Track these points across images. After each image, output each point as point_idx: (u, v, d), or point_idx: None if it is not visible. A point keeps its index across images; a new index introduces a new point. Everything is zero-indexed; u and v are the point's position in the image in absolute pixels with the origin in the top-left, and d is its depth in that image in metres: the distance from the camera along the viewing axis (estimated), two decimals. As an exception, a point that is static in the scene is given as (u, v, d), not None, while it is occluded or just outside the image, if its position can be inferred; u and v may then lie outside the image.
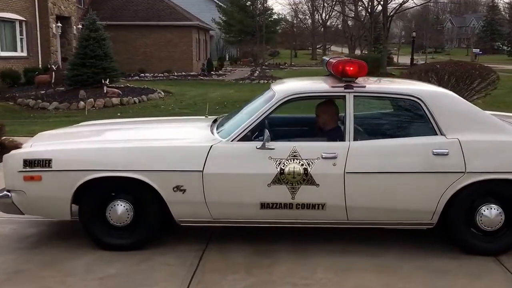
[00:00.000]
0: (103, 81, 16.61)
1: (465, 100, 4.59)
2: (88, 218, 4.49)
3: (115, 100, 16.23)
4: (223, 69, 34.57)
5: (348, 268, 4.20)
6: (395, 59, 47.87)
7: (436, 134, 4.34)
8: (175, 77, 26.91)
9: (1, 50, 19.94)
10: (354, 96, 4.47)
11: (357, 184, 4.29)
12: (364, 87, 4.52)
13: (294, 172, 4.28)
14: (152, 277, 4.04)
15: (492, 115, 4.60)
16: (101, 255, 4.41)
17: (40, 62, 22.13)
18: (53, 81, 16.62)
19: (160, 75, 27.52)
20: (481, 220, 4.36)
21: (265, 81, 24.13)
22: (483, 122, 4.43)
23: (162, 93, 18.69)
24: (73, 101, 15.45)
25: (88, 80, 17.14)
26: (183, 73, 28.08)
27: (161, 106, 16.31)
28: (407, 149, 4.35)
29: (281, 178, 4.28)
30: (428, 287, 3.92)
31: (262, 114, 4.47)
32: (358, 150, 4.33)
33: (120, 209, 4.43)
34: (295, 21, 69.77)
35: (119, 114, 14.06)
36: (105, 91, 16.46)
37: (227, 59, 46.86)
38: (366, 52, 45.42)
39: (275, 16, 50.25)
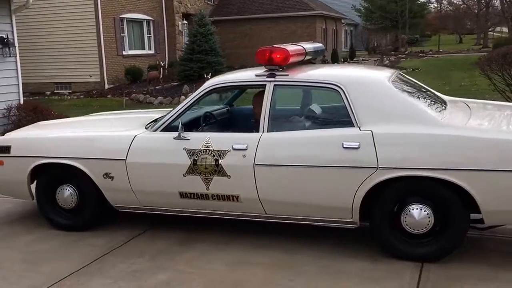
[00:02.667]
0: (205, 76, 17.44)
1: (395, 89, 4.14)
2: (41, 200, 4.99)
3: (216, 93, 16.94)
4: (354, 59, 33.88)
5: (243, 262, 4.13)
6: None
7: (353, 126, 4.03)
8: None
9: (129, 49, 21.90)
10: (275, 85, 4.33)
11: (267, 176, 4.18)
12: (287, 75, 4.35)
13: (205, 163, 4.30)
14: (70, 254, 4.41)
15: (423, 106, 4.10)
16: (48, 234, 4.88)
17: (166, 59, 23.83)
18: (161, 77, 17.88)
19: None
20: (406, 222, 3.97)
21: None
22: (408, 114, 3.96)
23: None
24: (176, 96, 16.49)
25: (194, 74, 18.10)
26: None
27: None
28: (318, 141, 4.11)
29: (194, 168, 4.34)
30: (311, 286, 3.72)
31: (186, 105, 4.54)
32: (269, 141, 4.21)
33: (66, 193, 4.85)
34: (458, 2, 64.51)
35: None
36: (207, 85, 17.22)
37: (367, 48, 45.54)
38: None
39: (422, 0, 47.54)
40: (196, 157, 4.32)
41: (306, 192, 4.12)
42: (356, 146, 3.93)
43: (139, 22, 22.78)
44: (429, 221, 3.90)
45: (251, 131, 4.35)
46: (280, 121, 4.36)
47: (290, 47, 4.44)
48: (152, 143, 4.54)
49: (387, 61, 29.14)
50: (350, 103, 4.06)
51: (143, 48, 23.07)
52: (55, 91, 20.03)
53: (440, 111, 4.26)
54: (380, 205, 4.03)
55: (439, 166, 3.76)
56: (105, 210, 4.90)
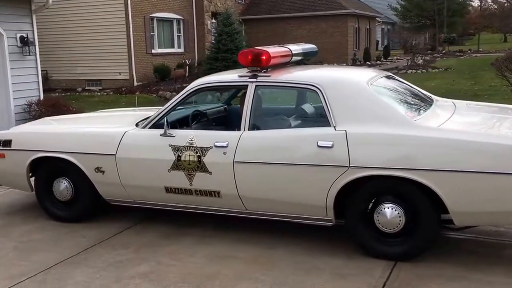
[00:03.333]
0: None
1: (372, 91, 4.18)
2: (40, 192, 5.24)
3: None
4: (388, 58, 33.51)
5: (223, 256, 4.25)
6: None
7: (329, 126, 4.10)
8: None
9: (158, 47, 22.31)
10: (256, 85, 4.45)
11: (246, 173, 4.29)
12: (269, 76, 4.46)
13: (189, 159, 4.45)
14: (61, 244, 4.62)
15: (396, 108, 4.12)
16: (44, 224, 5.12)
17: (196, 58, 24.16)
18: (187, 75, 18.16)
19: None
20: (378, 220, 4.03)
21: (414, 71, 22.92)
22: (381, 115, 4.01)
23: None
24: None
25: (219, 73, 18.28)
26: (335, 63, 28.01)
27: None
28: (294, 140, 4.20)
29: (178, 164, 4.49)
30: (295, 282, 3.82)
31: (172, 103, 4.70)
32: (248, 140, 4.32)
33: (62, 186, 5.08)
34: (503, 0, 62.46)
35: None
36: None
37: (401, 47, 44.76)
38: None
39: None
40: (180, 153, 4.47)
41: (283, 190, 4.21)
42: (330, 145, 4.01)
43: (169, 21, 23.17)
44: (400, 220, 3.95)
45: (234, 130, 4.47)
46: (260, 120, 4.47)
47: (273, 49, 4.54)
48: (140, 140, 4.71)
49: (421, 60, 28.67)
50: (327, 103, 4.13)
51: (173, 47, 23.44)
52: (86, 88, 20.59)
53: (419, 112, 4.28)
54: (354, 204, 4.10)
55: (406, 166, 3.81)
56: (99, 203, 5.11)
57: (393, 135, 3.90)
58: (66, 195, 5.09)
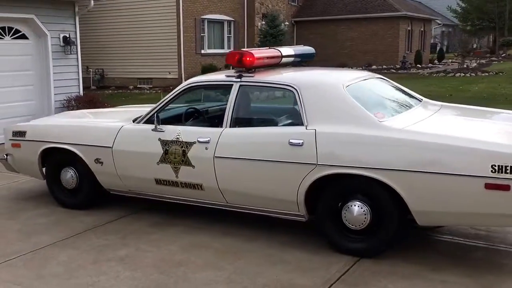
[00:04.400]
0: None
1: (345, 92, 4.29)
2: (49, 180, 5.68)
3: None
4: (443, 61, 32.68)
5: (198, 246, 4.51)
6: None
7: (302, 125, 4.28)
8: (369, 70, 26.83)
9: (208, 48, 22.85)
10: (240, 85, 4.68)
11: (225, 168, 4.53)
12: (252, 77, 4.67)
13: (174, 153, 4.74)
14: (59, 228, 5.02)
15: (365, 109, 4.20)
16: (51, 210, 5.55)
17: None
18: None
19: (359, 68, 27.65)
20: (345, 217, 4.17)
21: (462, 75, 22.32)
22: (349, 116, 4.16)
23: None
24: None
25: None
26: (384, 66, 27.64)
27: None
28: (269, 138, 4.40)
29: (166, 157, 4.79)
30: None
31: (165, 100, 5.00)
32: (228, 136, 4.56)
33: (67, 174, 5.50)
34: None
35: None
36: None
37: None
38: None
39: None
40: (168, 147, 4.77)
41: (258, 184, 4.43)
42: (300, 143, 4.18)
43: (220, 22, 23.68)
44: (365, 218, 4.07)
45: (218, 127, 4.71)
46: (242, 118, 4.70)
47: (259, 51, 4.76)
48: (134, 134, 5.05)
49: (475, 64, 27.83)
50: (302, 103, 4.31)
51: (222, 48, 23.92)
52: (138, 86, 21.42)
53: (392, 114, 4.36)
54: (323, 201, 4.25)
55: (369, 165, 3.93)
56: (100, 192, 5.48)
57: (357, 134, 4.03)
58: (71, 184, 5.50)
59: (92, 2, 10.13)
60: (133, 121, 5.16)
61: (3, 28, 9.30)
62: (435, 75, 23.14)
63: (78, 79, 10.66)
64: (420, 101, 5.11)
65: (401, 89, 5.16)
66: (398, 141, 3.90)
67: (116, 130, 5.11)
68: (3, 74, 9.37)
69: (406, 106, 4.70)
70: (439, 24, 42.36)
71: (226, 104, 4.70)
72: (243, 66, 4.66)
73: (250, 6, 25.02)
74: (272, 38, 19.02)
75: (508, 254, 4.27)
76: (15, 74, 9.63)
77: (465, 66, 25.07)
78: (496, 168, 3.55)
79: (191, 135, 4.70)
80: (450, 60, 32.92)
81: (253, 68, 4.73)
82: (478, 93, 15.66)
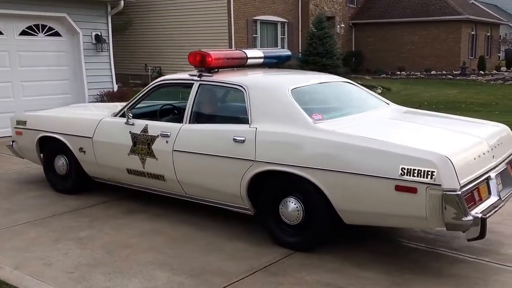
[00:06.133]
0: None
1: (288, 94, 4.48)
2: (45, 167, 6.25)
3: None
4: (511, 68, 31.28)
5: (153, 231, 4.85)
6: None
7: (247, 123, 4.52)
8: (426, 76, 26.08)
9: (261, 48, 23.23)
10: (200, 84, 5.00)
11: (181, 161, 4.86)
12: (211, 76, 4.97)
13: (141, 145, 5.12)
14: (44, 209, 5.53)
15: (303, 111, 4.35)
16: (45, 194, 6.09)
17: (299, 59, 24.74)
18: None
19: (416, 73, 26.91)
20: (282, 212, 4.38)
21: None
22: (287, 116, 4.37)
23: (380, 90, 18.88)
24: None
25: (308, 76, 18.66)
26: (444, 71, 26.87)
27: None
28: (218, 134, 4.69)
29: (134, 149, 5.18)
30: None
31: (138, 97, 5.41)
32: (185, 131, 4.88)
33: (59, 162, 6.03)
34: None
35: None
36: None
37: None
38: None
39: None
40: (136, 140, 5.16)
41: (208, 178, 4.72)
42: (242, 140, 4.43)
43: (273, 24, 23.98)
44: (299, 214, 4.26)
45: (180, 122, 5.04)
46: (199, 115, 4.99)
47: (219, 52, 5.06)
48: (110, 126, 5.48)
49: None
50: (249, 102, 4.56)
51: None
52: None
53: (332, 116, 4.50)
54: (262, 196, 4.48)
55: (298, 164, 4.13)
56: (88, 178, 5.95)
57: (288, 134, 4.25)
58: (62, 170, 6.02)
59: (122, 2, 10.76)
60: (112, 114, 5.59)
61: (36, 26, 10.12)
62: (492, 82, 22.31)
63: (111, 75, 11.35)
64: (388, 104, 5.21)
65: (367, 94, 5.27)
66: (322, 141, 4.07)
67: (96, 122, 5.57)
68: (38, 68, 10.21)
69: (359, 110, 4.82)
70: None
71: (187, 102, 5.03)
72: (203, 66, 4.98)
73: (305, 8, 25.13)
74: (318, 40, 19.08)
75: (440, 257, 4.28)
76: (51, 69, 10.47)
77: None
78: (405, 170, 3.65)
79: (155, 129, 5.06)
80: (518, 67, 31.49)
81: (216, 68, 5.03)
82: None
